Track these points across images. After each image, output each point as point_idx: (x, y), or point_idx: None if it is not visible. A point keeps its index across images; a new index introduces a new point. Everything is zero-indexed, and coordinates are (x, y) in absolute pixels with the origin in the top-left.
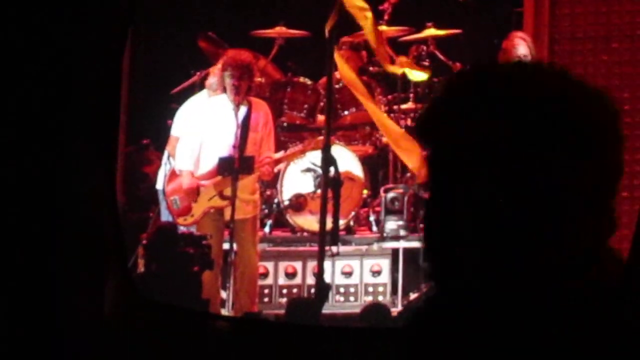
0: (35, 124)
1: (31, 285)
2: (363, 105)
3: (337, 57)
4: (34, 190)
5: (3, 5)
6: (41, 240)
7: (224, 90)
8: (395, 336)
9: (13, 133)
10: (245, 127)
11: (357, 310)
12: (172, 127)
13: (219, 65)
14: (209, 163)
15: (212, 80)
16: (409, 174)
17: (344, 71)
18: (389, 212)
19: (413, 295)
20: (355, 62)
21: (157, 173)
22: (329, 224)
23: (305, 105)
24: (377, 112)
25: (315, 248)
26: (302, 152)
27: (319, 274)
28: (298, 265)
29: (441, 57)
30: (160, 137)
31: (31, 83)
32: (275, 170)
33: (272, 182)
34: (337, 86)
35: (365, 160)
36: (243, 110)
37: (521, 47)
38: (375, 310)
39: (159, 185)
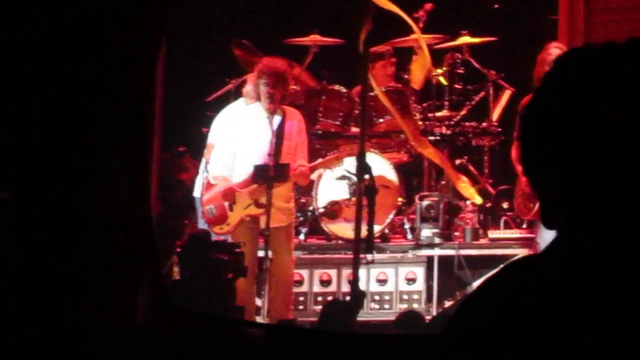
0: (70, 131)
1: (64, 292)
2: (397, 114)
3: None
4: (68, 198)
5: (35, 18)
6: (75, 248)
7: (258, 98)
8: (429, 343)
9: (48, 140)
10: (279, 135)
11: (392, 317)
12: (209, 134)
13: (254, 73)
14: (244, 171)
15: (249, 88)
16: (443, 182)
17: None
18: (424, 219)
19: (448, 303)
20: (388, 71)
21: (193, 180)
22: (364, 232)
23: (340, 113)
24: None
25: (350, 255)
26: (337, 159)
27: (354, 281)
28: (333, 272)
29: (475, 64)
30: (195, 145)
31: (65, 91)
32: (311, 177)
33: (307, 189)
34: (371, 94)
35: (399, 168)
36: (277, 118)
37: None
38: (410, 317)
39: (196, 193)
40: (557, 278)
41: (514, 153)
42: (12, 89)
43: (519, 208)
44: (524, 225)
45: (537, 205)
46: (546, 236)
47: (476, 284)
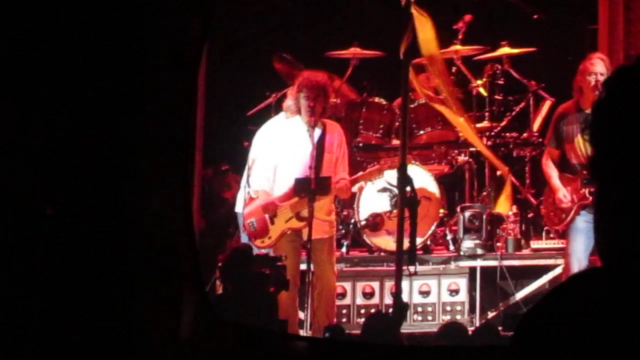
0: (112, 148)
1: (110, 309)
2: (438, 124)
3: (413, 78)
4: (113, 214)
5: (75, 32)
6: (120, 264)
7: (299, 111)
8: (472, 354)
9: (91, 158)
10: (320, 148)
11: (435, 329)
12: (251, 149)
13: (294, 87)
14: (285, 184)
15: (290, 102)
16: (485, 193)
17: (423, 91)
18: (466, 230)
19: (491, 314)
20: (431, 83)
21: (236, 197)
22: (406, 244)
23: (381, 125)
24: (464, 126)
25: (393, 267)
26: (379, 171)
27: (397, 293)
28: (375, 285)
29: (516, 75)
30: (237, 160)
31: (106, 107)
32: (353, 190)
33: (348, 202)
34: (412, 105)
35: (441, 179)
36: (318, 131)
37: (599, 65)
38: (453, 329)
39: (238, 208)
40: (629, 290)
41: (545, 159)
42: (54, 104)
43: (549, 217)
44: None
45: (571, 215)
46: (576, 247)
47: (519, 294)
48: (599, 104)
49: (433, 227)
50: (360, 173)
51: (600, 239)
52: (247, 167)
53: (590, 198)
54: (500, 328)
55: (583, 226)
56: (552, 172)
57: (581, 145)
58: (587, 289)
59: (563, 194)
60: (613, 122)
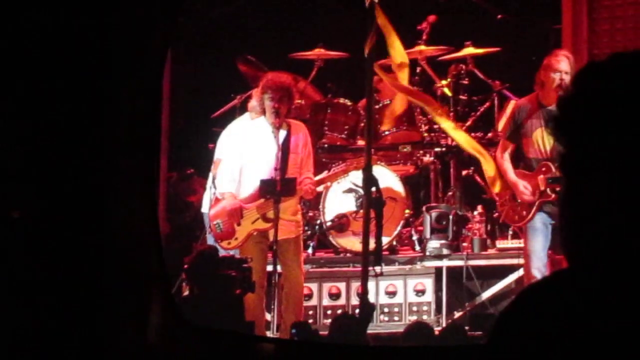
0: (75, 151)
1: (75, 312)
2: (403, 125)
3: (380, 72)
4: (78, 219)
5: (35, 40)
6: (85, 268)
7: (264, 112)
8: (439, 354)
9: (55, 160)
10: (285, 149)
11: (401, 329)
12: (216, 150)
13: (259, 88)
14: (250, 186)
15: (254, 103)
16: (450, 193)
17: (395, 85)
18: (432, 230)
19: (457, 314)
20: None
21: (201, 201)
22: (372, 244)
23: (346, 126)
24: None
25: (359, 268)
26: (344, 172)
27: (363, 294)
28: (342, 285)
29: (480, 75)
30: (202, 162)
31: (70, 109)
32: (318, 190)
33: (314, 203)
34: (377, 106)
35: (406, 180)
36: (283, 132)
37: (564, 63)
38: (419, 329)
39: (205, 209)
40: (604, 289)
41: (499, 152)
42: (18, 106)
43: (507, 215)
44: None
45: (532, 213)
46: (536, 245)
47: (485, 294)
48: (568, 100)
49: (399, 228)
50: (325, 173)
51: (570, 237)
52: (212, 168)
53: (553, 195)
54: (466, 328)
55: (540, 224)
56: (508, 166)
57: (539, 141)
58: (563, 289)
59: (523, 185)
60: (587, 119)
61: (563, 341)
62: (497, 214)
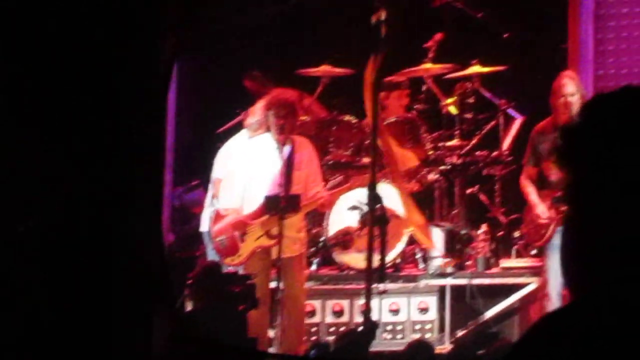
0: (81, 164)
1: (81, 324)
2: (408, 144)
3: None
4: (82, 230)
5: (41, 52)
6: (89, 280)
7: (268, 129)
8: None
9: (59, 174)
10: (289, 165)
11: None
12: (213, 168)
13: (258, 105)
14: (254, 202)
15: (252, 120)
16: (455, 211)
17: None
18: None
19: (460, 333)
20: (403, 101)
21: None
22: (376, 262)
23: (351, 143)
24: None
25: (362, 286)
26: (348, 190)
27: (366, 311)
28: (345, 303)
29: (486, 94)
30: (209, 177)
31: (75, 121)
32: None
33: (318, 220)
34: (383, 124)
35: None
36: (287, 149)
37: (569, 85)
38: (420, 347)
39: (204, 228)
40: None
41: (523, 178)
42: (26, 122)
43: (530, 235)
44: (533, 252)
45: (550, 231)
46: (555, 264)
47: (489, 313)
48: (573, 130)
49: (403, 246)
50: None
51: (573, 266)
52: (211, 186)
53: None
54: (470, 346)
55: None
56: (530, 189)
57: None
58: (580, 323)
59: (542, 210)
60: (593, 151)
61: None
62: (501, 232)
